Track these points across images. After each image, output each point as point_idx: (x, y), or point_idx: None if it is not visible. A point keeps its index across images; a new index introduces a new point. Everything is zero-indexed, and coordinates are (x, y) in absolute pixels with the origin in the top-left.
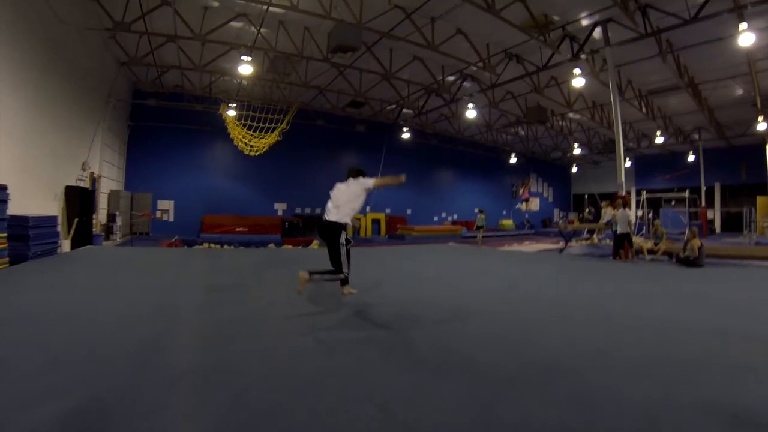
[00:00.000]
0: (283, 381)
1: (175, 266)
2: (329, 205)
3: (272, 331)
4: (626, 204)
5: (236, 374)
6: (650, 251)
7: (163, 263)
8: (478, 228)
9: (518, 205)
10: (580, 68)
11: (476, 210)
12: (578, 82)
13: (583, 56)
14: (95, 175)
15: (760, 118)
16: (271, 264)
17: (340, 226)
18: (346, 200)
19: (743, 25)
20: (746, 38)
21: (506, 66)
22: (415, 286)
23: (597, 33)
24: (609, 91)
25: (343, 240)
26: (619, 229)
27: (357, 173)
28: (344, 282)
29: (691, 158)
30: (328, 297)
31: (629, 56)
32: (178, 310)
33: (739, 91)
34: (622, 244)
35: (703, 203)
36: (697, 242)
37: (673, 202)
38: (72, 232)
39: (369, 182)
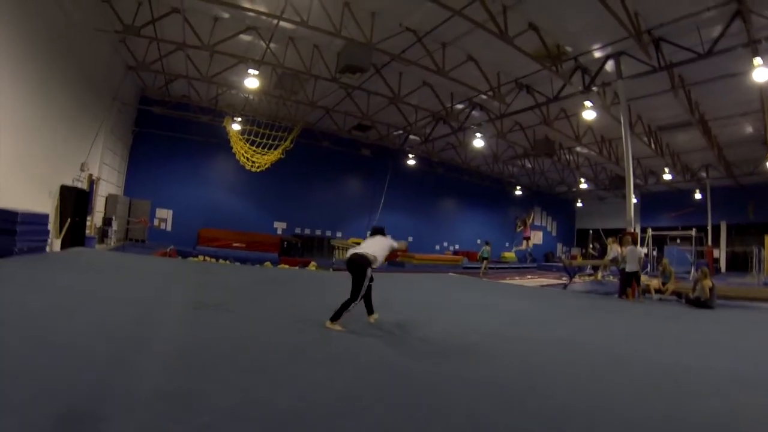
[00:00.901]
0: (253, 417)
1: (164, 277)
2: (361, 248)
3: (252, 357)
4: (635, 241)
5: (202, 406)
6: (658, 290)
7: (152, 273)
8: (483, 259)
9: (516, 247)
10: (591, 101)
11: (478, 241)
12: (589, 114)
13: (594, 89)
14: (93, 178)
15: None
16: (265, 283)
17: (368, 261)
18: (374, 250)
19: (758, 60)
20: (761, 74)
21: (516, 96)
22: (410, 319)
23: (609, 66)
24: (618, 126)
25: (369, 274)
26: (628, 267)
27: (381, 231)
28: (370, 311)
29: (697, 196)
30: (314, 325)
31: (640, 91)
32: (156, 326)
33: (749, 129)
34: (629, 283)
35: (710, 242)
36: (708, 283)
37: (678, 240)
38: (63, 232)
39: (394, 243)
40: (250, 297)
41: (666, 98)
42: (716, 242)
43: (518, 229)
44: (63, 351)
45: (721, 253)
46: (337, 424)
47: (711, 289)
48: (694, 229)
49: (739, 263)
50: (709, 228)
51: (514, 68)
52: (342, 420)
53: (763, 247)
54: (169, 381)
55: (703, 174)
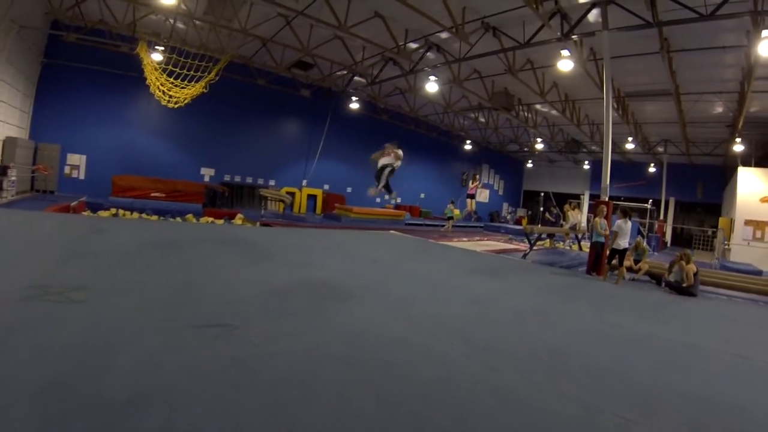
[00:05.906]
0: None
1: (28, 242)
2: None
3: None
4: (626, 213)
5: None
6: (630, 269)
7: (17, 236)
8: (448, 218)
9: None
10: (569, 50)
11: (422, 195)
12: (565, 65)
13: (574, 37)
14: None
15: (738, 140)
16: (163, 247)
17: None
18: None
19: (766, 32)
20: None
21: (481, 37)
22: (336, 305)
23: (592, 15)
24: (586, 87)
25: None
26: (616, 244)
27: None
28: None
29: (651, 170)
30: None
31: (618, 50)
32: None
33: (719, 109)
34: (611, 259)
35: (662, 216)
36: (693, 268)
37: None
38: None
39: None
40: (126, 273)
41: (643, 62)
42: (664, 217)
43: (466, 184)
44: None
45: (668, 228)
46: None
47: (695, 275)
48: (650, 201)
49: (678, 239)
50: (662, 203)
51: (482, 4)
52: None
53: (717, 228)
54: None
55: (660, 149)
